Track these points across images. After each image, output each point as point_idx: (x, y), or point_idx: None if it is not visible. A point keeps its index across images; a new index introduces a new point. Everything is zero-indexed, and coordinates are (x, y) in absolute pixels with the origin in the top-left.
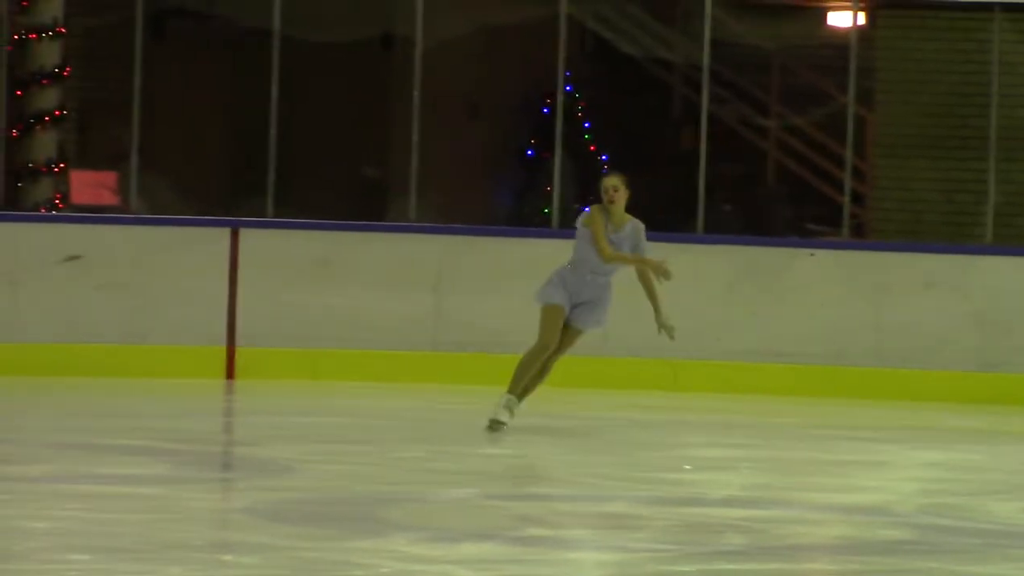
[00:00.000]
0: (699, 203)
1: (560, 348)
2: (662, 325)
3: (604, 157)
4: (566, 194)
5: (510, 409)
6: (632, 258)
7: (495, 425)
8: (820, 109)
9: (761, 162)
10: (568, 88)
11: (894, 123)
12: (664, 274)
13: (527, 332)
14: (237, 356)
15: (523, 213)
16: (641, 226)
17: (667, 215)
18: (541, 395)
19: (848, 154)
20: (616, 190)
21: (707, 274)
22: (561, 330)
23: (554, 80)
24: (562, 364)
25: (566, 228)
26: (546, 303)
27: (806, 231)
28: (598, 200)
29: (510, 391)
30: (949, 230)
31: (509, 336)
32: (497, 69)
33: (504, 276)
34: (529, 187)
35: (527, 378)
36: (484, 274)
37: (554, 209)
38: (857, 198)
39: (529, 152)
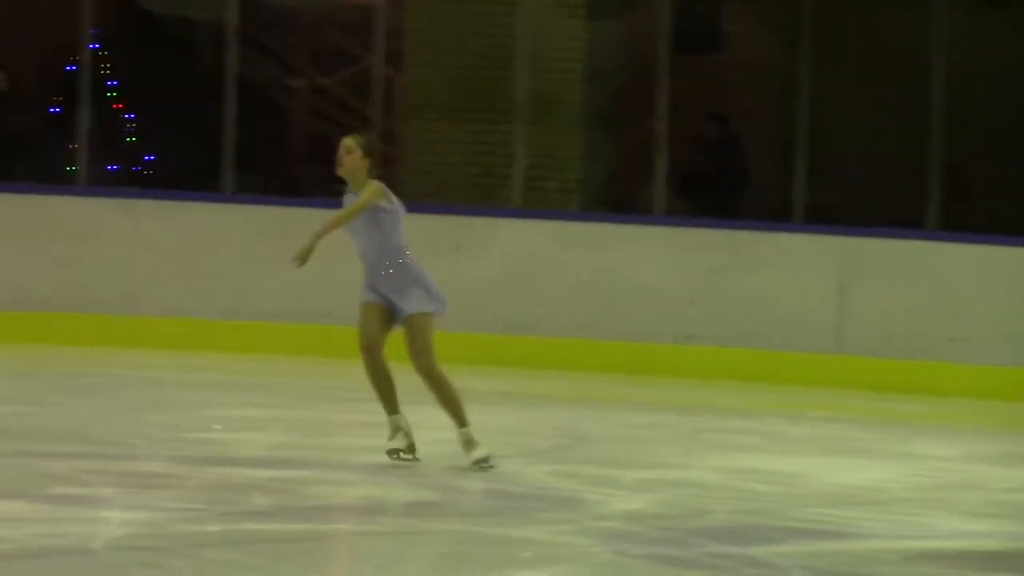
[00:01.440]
0: (225, 164)
1: (408, 347)
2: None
3: (130, 116)
4: (91, 153)
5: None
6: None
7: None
8: (348, 70)
9: (288, 122)
10: (94, 46)
11: (423, 85)
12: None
13: (50, 288)
14: None
15: (47, 170)
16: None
17: (193, 177)
18: (71, 354)
19: (376, 115)
20: (349, 152)
21: (233, 234)
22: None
23: (80, 37)
24: (91, 321)
25: (93, 186)
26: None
27: (335, 192)
28: (122, 158)
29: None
30: (477, 193)
31: (32, 292)
32: (22, 24)
33: (26, 232)
34: (53, 145)
35: (376, 389)
36: (6, 230)
37: (82, 168)
38: (386, 159)
39: (53, 109)
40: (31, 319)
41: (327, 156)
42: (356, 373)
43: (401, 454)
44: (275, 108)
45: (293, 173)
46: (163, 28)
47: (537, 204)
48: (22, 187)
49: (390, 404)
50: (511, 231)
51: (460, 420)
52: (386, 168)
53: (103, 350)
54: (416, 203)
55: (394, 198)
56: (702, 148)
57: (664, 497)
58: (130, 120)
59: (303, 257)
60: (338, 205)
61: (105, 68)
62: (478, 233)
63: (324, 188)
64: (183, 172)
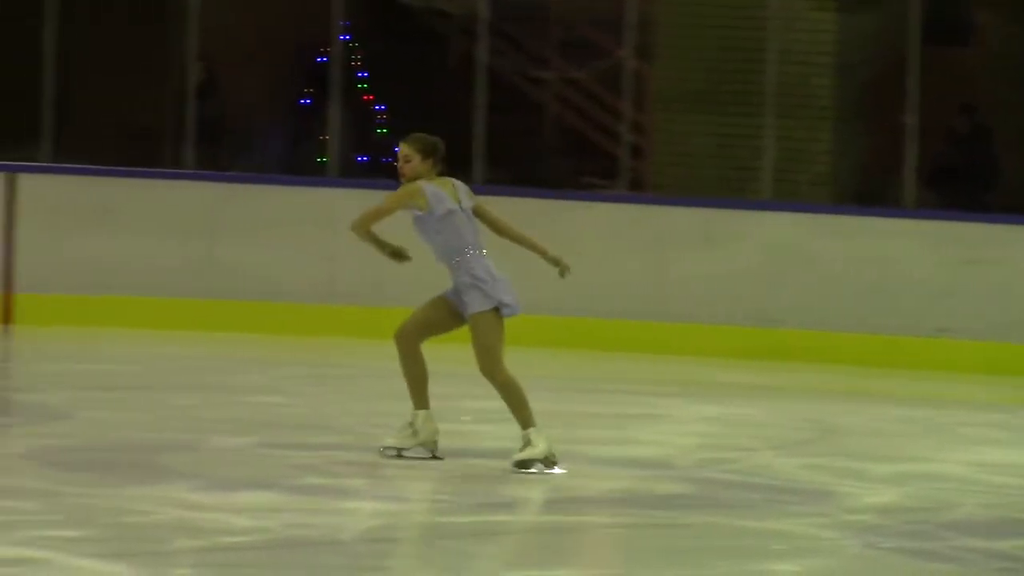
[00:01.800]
0: (476, 156)
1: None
2: (555, 262)
3: (381, 107)
4: (342, 144)
5: (410, 425)
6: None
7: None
8: (599, 62)
9: (539, 115)
10: (345, 37)
11: (673, 77)
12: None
13: (299, 280)
14: (15, 302)
15: (297, 162)
16: (461, 184)
17: (445, 166)
18: (320, 345)
19: (626, 107)
20: (407, 160)
21: (483, 225)
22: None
23: (330, 28)
24: (343, 312)
25: (347, 178)
26: None
27: (584, 184)
28: (372, 149)
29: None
30: (726, 185)
31: (281, 284)
32: (273, 16)
33: (277, 224)
34: (304, 136)
35: (404, 377)
36: (257, 221)
37: (333, 159)
38: (636, 152)
39: (303, 100)
40: (280, 310)
41: (577, 149)
42: (606, 365)
43: (403, 453)
44: (525, 100)
45: (542, 165)
46: (414, 19)
47: (787, 196)
48: (272, 179)
49: (415, 398)
50: (763, 223)
51: (523, 423)
52: (636, 160)
53: (352, 341)
54: (666, 195)
55: (433, 198)
56: (952, 141)
57: (914, 490)
58: (380, 112)
59: (398, 255)
60: (585, 198)
61: (356, 60)
62: (729, 225)
63: (574, 181)
64: None
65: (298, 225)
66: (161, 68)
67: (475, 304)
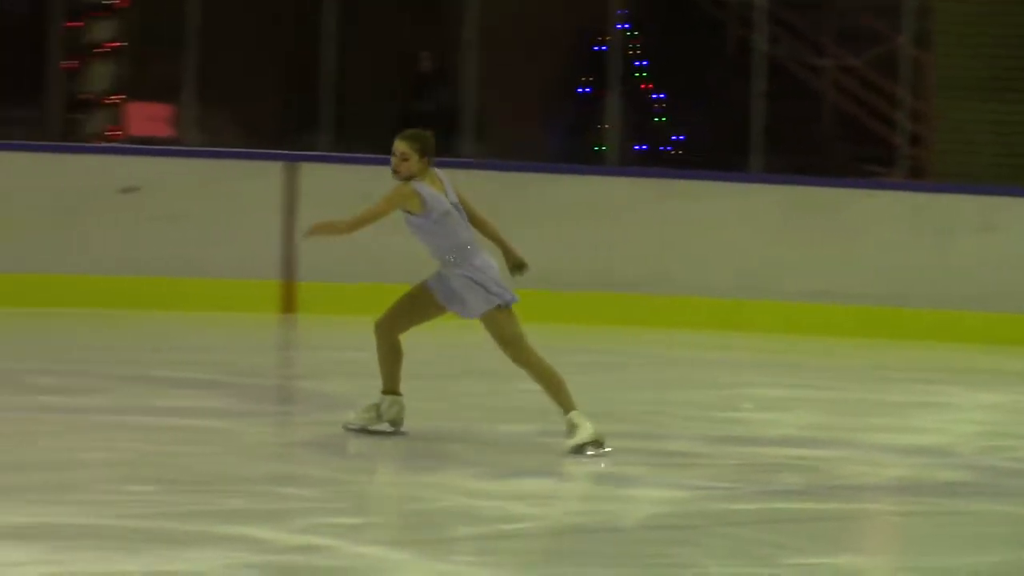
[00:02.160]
0: (754, 144)
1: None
2: (516, 267)
3: (659, 96)
4: (620, 133)
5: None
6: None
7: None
8: (876, 49)
9: (816, 102)
10: (624, 26)
11: (951, 64)
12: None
13: (578, 269)
14: (298, 291)
15: (577, 151)
16: (447, 177)
17: (722, 157)
18: (599, 333)
19: (904, 95)
20: (405, 159)
21: (762, 214)
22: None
23: (609, 17)
24: (622, 300)
25: (625, 167)
26: None
27: (863, 171)
28: (650, 138)
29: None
30: (1009, 172)
31: (560, 274)
32: (552, 5)
33: (557, 213)
34: (582, 125)
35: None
36: (538, 210)
37: (612, 148)
38: (915, 139)
39: (582, 89)
40: (558, 299)
41: (855, 136)
42: (887, 352)
43: (367, 427)
44: (802, 88)
45: (821, 152)
46: (692, 7)
47: None
48: (552, 168)
49: (385, 380)
50: None
51: (564, 406)
52: (914, 147)
53: (630, 329)
54: (947, 183)
55: (429, 200)
56: None
57: None
58: (659, 100)
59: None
60: (866, 185)
61: (634, 49)
62: (1010, 212)
63: (853, 168)
64: (711, 152)
65: (576, 214)
66: (438, 58)
67: (481, 304)
